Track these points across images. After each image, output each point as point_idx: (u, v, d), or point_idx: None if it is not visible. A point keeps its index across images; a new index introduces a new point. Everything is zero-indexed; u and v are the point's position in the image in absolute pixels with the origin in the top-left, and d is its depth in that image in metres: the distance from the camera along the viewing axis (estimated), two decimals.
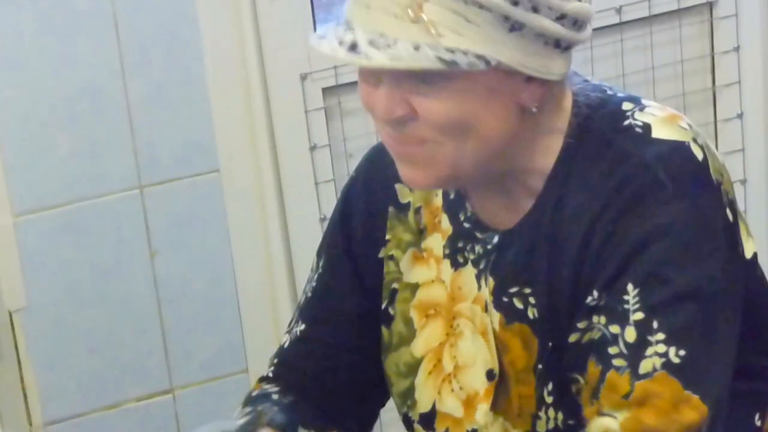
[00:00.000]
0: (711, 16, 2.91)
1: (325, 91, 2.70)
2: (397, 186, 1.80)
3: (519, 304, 1.71)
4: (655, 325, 1.58)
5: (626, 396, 1.58)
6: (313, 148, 2.71)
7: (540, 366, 1.69)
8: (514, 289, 1.71)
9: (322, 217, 2.72)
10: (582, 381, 1.63)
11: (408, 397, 1.82)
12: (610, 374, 1.58)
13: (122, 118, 2.56)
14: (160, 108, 2.58)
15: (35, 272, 2.58)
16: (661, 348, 1.58)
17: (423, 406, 1.81)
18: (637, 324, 1.58)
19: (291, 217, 2.75)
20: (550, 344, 1.68)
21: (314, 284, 1.87)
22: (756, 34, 2.91)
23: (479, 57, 1.51)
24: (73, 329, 2.63)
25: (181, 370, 2.73)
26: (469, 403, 1.76)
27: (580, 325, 1.63)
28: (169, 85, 2.59)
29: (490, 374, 1.73)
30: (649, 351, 1.58)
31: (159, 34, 2.56)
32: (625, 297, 1.60)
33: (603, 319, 1.61)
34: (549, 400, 1.69)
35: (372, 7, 1.54)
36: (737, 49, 2.92)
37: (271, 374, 1.86)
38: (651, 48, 2.83)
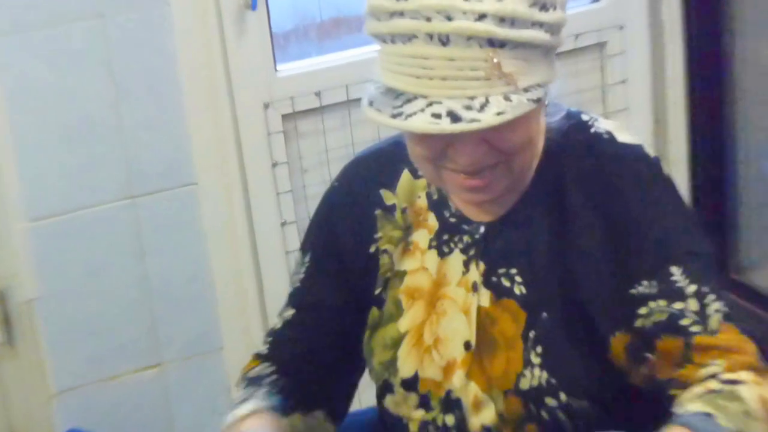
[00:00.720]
0: (602, 54, 2.93)
1: (284, 117, 2.73)
2: (381, 191, 1.86)
3: (506, 283, 1.77)
4: (704, 290, 1.67)
5: (716, 349, 1.64)
6: (274, 165, 2.74)
7: (531, 333, 1.75)
8: (502, 270, 1.77)
9: (283, 221, 2.80)
10: (653, 357, 1.70)
11: (390, 366, 1.85)
12: (696, 339, 1.66)
13: (115, 139, 2.61)
14: (147, 132, 2.62)
15: (47, 268, 2.63)
16: (715, 305, 1.66)
17: (405, 372, 1.84)
18: (694, 295, 1.67)
19: (256, 222, 2.79)
20: (545, 314, 1.75)
21: (302, 276, 1.91)
22: (640, 69, 2.99)
23: (540, 86, 1.57)
24: (78, 315, 2.68)
25: (167, 348, 2.77)
26: (447, 370, 1.81)
27: (642, 311, 1.69)
28: (153, 113, 2.62)
29: (467, 345, 1.79)
30: (710, 311, 1.66)
31: (144, 70, 2.61)
32: (674, 278, 1.68)
33: (663, 302, 1.68)
34: (536, 361, 1.74)
35: (448, 77, 1.54)
36: (624, 81, 2.95)
37: (266, 351, 1.90)
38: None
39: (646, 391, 1.76)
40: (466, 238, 1.80)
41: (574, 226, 1.75)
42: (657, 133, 3.02)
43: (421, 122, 1.53)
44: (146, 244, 2.70)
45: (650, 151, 1.78)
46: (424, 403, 1.84)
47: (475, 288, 1.78)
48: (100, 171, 2.62)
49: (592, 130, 1.77)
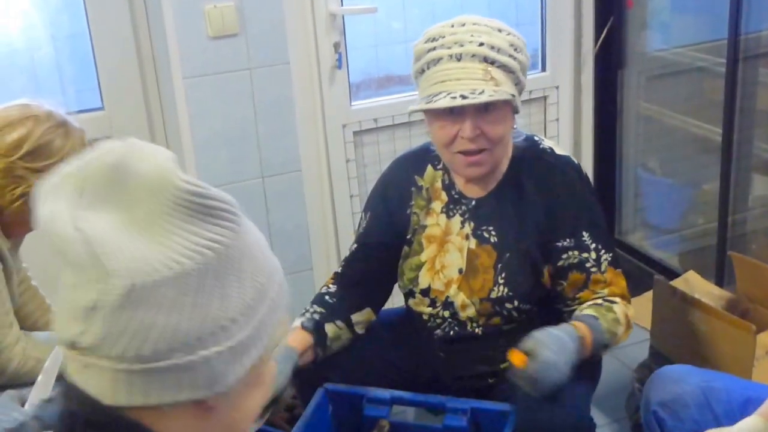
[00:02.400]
0: (545, 103, 2.98)
1: (355, 133, 2.78)
2: (415, 177, 1.91)
3: (486, 235, 1.84)
4: (599, 246, 1.80)
5: (604, 282, 1.79)
6: (348, 161, 2.80)
7: (499, 265, 1.81)
8: (483, 227, 1.84)
9: (352, 194, 2.82)
10: (565, 283, 1.80)
11: (414, 281, 1.90)
12: (592, 276, 1.79)
13: (254, 142, 2.63)
14: (273, 138, 2.64)
15: None
16: (605, 256, 1.80)
17: (423, 285, 1.89)
18: (594, 249, 1.79)
19: (336, 195, 2.81)
20: (507, 254, 1.81)
21: (364, 225, 1.95)
22: (566, 112, 3.02)
23: (512, 95, 1.70)
24: None
25: (281, 264, 2.79)
26: (447, 284, 1.87)
27: (564, 256, 1.79)
28: (278, 127, 2.64)
29: (460, 270, 1.86)
30: (602, 260, 1.79)
31: (273, 101, 2.62)
32: (583, 238, 1.80)
33: (576, 252, 1.79)
34: (501, 281, 1.82)
35: (462, 78, 1.66)
36: (557, 119, 3.01)
37: (340, 270, 1.95)
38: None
39: (557, 301, 1.85)
40: (463, 208, 1.87)
41: (527, 204, 1.82)
42: (575, 150, 3.05)
43: (443, 101, 1.65)
44: (271, 205, 2.71)
45: (574, 160, 1.87)
46: (433, 303, 1.90)
47: (467, 237, 1.85)
48: (244, 160, 2.63)
49: (540, 146, 1.85)
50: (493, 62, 1.67)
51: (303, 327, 1.83)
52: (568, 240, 1.79)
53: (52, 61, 2.57)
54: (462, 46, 1.66)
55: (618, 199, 3.15)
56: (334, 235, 2.83)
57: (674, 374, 1.73)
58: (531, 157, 1.83)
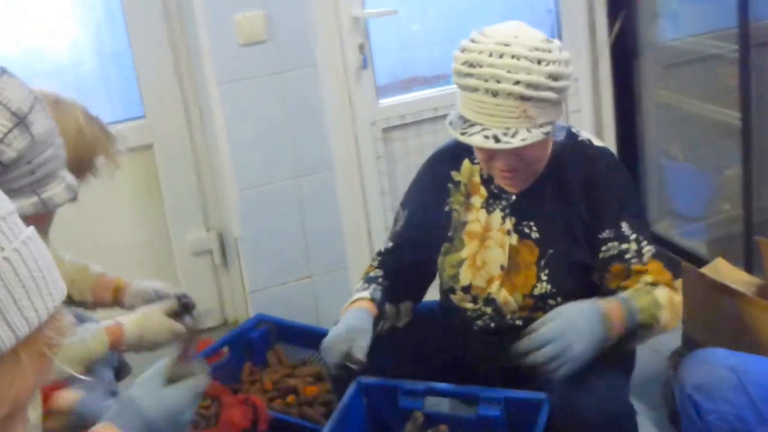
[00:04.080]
0: (565, 95, 2.83)
1: (383, 129, 2.83)
2: (452, 172, 1.88)
3: (527, 230, 1.82)
4: (641, 238, 1.74)
5: (646, 273, 1.71)
6: (377, 157, 2.83)
7: (542, 261, 1.79)
8: (524, 222, 1.82)
9: (382, 191, 2.85)
10: (607, 276, 1.75)
11: (454, 277, 1.87)
12: (633, 266, 1.73)
13: (288, 143, 2.68)
14: (305, 139, 2.70)
15: (248, 219, 2.69)
16: (647, 248, 1.74)
17: (464, 282, 1.86)
18: (634, 240, 1.74)
19: (367, 191, 2.85)
20: (551, 251, 1.78)
21: (402, 222, 1.93)
22: (587, 103, 3.04)
23: (550, 123, 1.66)
24: (264, 247, 2.74)
25: (316, 266, 2.81)
26: (489, 281, 1.84)
27: (603, 248, 1.75)
28: (309, 127, 2.69)
29: (502, 267, 1.83)
30: (644, 251, 1.74)
31: (303, 102, 2.67)
32: (623, 229, 1.75)
33: (616, 243, 1.74)
34: (544, 278, 1.79)
35: (496, 115, 1.62)
36: (578, 111, 3.03)
37: (376, 264, 1.94)
38: None
39: (603, 294, 1.76)
40: (503, 203, 1.84)
41: (568, 197, 1.79)
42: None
43: (477, 140, 1.64)
44: (305, 205, 2.74)
45: (611, 151, 1.86)
46: (474, 300, 1.87)
47: (508, 233, 1.82)
48: (278, 161, 2.69)
49: (579, 138, 1.83)
50: (529, 99, 1.61)
51: (372, 299, 1.83)
52: (608, 231, 1.76)
53: (96, 76, 2.73)
54: (498, 82, 1.60)
55: (642, 187, 3.17)
56: (367, 232, 2.88)
57: (708, 357, 1.70)
58: (571, 151, 1.81)
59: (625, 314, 1.65)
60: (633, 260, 1.74)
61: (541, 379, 1.70)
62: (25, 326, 0.58)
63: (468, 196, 1.87)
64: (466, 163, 1.88)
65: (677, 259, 2.79)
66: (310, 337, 2.45)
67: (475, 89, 1.63)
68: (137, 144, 2.69)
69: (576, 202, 1.78)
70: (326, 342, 1.74)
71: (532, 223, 1.81)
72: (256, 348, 2.54)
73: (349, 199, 2.83)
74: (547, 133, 1.65)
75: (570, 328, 1.59)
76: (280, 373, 2.43)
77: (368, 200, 2.87)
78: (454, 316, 1.93)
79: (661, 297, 1.69)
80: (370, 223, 2.88)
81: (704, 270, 2.35)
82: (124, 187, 2.71)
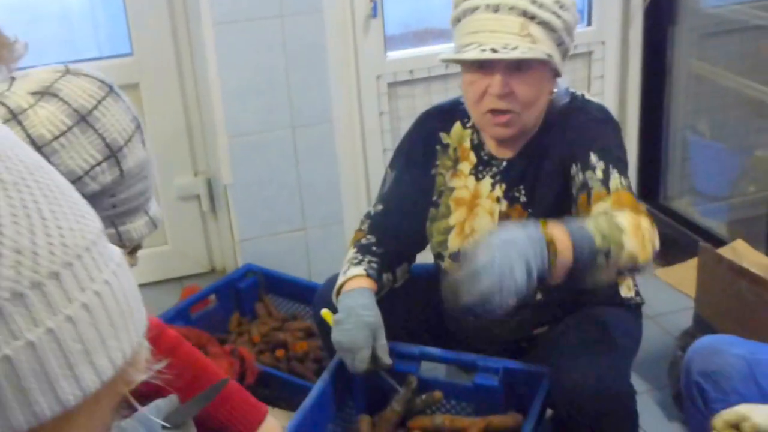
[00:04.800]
0: (590, 59, 2.88)
1: (389, 84, 2.72)
2: (441, 134, 1.85)
3: (516, 195, 1.80)
4: (610, 168, 1.64)
5: (608, 196, 1.61)
6: (381, 114, 2.73)
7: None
8: (514, 188, 1.80)
9: (384, 149, 2.76)
10: (575, 207, 1.69)
11: (443, 244, 1.86)
12: (594, 192, 1.63)
13: (285, 91, 2.59)
14: (304, 88, 2.59)
15: (238, 167, 2.63)
16: (617, 179, 1.63)
17: (452, 249, 1.85)
18: (601, 170, 1.65)
19: (368, 148, 2.77)
20: (539, 212, 1.76)
21: (389, 184, 1.91)
22: (612, 68, 2.92)
23: (549, 55, 1.61)
24: (255, 196, 2.68)
25: (310, 219, 2.76)
26: None
27: (573, 183, 1.70)
28: (309, 77, 2.59)
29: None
30: (611, 180, 1.63)
31: (306, 51, 2.57)
32: (590, 160, 1.66)
33: (581, 173, 1.67)
34: None
35: (497, 30, 1.59)
36: (602, 76, 2.93)
37: (365, 228, 1.90)
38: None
39: None
40: (493, 170, 1.82)
41: (553, 151, 1.75)
42: (620, 109, 2.96)
43: (473, 53, 1.59)
44: (301, 156, 2.68)
45: (605, 106, 1.78)
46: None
47: (498, 200, 1.81)
48: (274, 110, 2.60)
49: (577, 99, 1.77)
50: (533, 17, 1.58)
51: (368, 275, 1.80)
52: (577, 165, 1.69)
53: (82, 8, 2.60)
54: None
55: (664, 162, 3.08)
56: (366, 189, 2.82)
57: (717, 344, 1.65)
58: (566, 114, 1.77)
59: (573, 239, 1.47)
60: (595, 186, 1.63)
61: (540, 354, 1.72)
62: (110, 369, 0.51)
63: (456, 161, 1.85)
64: (457, 125, 1.85)
65: (694, 238, 2.74)
66: (301, 291, 2.46)
67: (476, 8, 1.61)
68: (123, 82, 2.50)
69: (558, 150, 1.74)
70: (343, 342, 1.70)
71: (522, 188, 1.79)
72: (244, 298, 2.51)
73: (348, 155, 2.77)
74: (549, 56, 1.60)
75: (503, 257, 1.39)
76: (269, 326, 2.40)
77: (368, 157, 2.80)
78: None
79: (624, 221, 1.51)
80: (369, 181, 2.82)
81: (722, 251, 2.30)
82: None
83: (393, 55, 2.74)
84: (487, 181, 1.83)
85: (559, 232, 1.47)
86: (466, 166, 1.85)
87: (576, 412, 1.64)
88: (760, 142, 2.85)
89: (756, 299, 2.07)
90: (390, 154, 2.69)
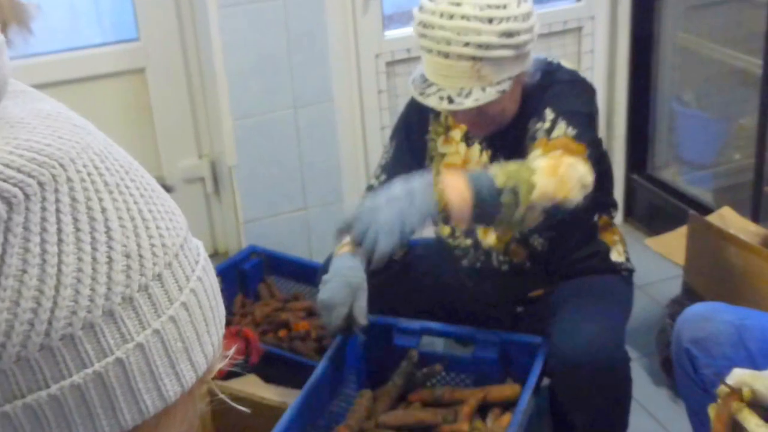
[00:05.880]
0: (579, 34, 2.91)
1: (387, 63, 2.73)
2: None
3: (501, 160, 1.77)
4: (559, 119, 1.68)
5: (547, 145, 1.66)
6: (379, 92, 2.75)
7: None
8: (498, 154, 1.84)
9: (382, 126, 2.76)
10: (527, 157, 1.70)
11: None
12: (537, 141, 1.69)
13: (287, 72, 2.60)
14: (305, 67, 2.60)
15: (242, 148, 2.63)
16: (563, 128, 1.67)
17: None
18: (550, 121, 1.70)
19: (367, 125, 2.77)
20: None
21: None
22: (601, 43, 2.94)
23: (510, 78, 1.67)
24: (259, 177, 2.69)
25: (311, 199, 2.77)
26: None
27: (528, 135, 1.74)
28: (310, 57, 2.59)
29: None
30: (557, 129, 1.68)
31: (307, 31, 2.58)
32: (545, 113, 1.71)
33: (533, 125, 1.73)
34: None
35: (450, 76, 1.65)
36: (592, 51, 2.94)
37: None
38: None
39: None
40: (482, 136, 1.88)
41: (531, 117, 1.77)
42: (609, 83, 2.99)
43: (433, 101, 1.68)
44: (303, 136, 2.68)
45: (580, 73, 1.82)
46: (453, 232, 1.93)
47: (485, 166, 1.84)
48: (276, 91, 2.61)
49: (549, 69, 1.82)
50: (481, 59, 1.63)
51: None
52: (534, 119, 1.74)
53: None
54: (449, 44, 1.63)
55: (652, 133, 3.11)
56: (365, 167, 2.84)
57: (707, 311, 1.68)
58: (541, 75, 1.81)
59: (470, 181, 1.56)
60: (539, 135, 1.69)
61: (537, 318, 1.76)
62: (204, 363, 0.53)
63: (448, 129, 1.89)
64: None
65: (682, 207, 2.78)
66: (303, 271, 2.47)
67: (429, 50, 1.66)
68: (129, 68, 2.62)
69: (534, 116, 1.76)
70: (324, 299, 1.71)
71: (506, 153, 1.81)
72: (248, 280, 2.52)
73: (348, 133, 2.78)
74: (503, 91, 1.65)
75: (376, 205, 1.56)
76: (271, 307, 2.42)
77: (368, 135, 2.81)
78: (445, 254, 1.95)
79: (539, 162, 1.58)
80: (368, 158, 2.83)
81: (710, 218, 2.32)
82: (114, 111, 2.64)
83: (391, 34, 2.76)
84: (477, 147, 1.88)
85: (452, 179, 1.56)
86: (457, 133, 1.90)
87: (572, 380, 1.72)
88: (744, 111, 2.89)
89: (744, 265, 2.10)
90: (388, 132, 2.69)
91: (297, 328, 2.32)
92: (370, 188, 1.95)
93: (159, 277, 0.49)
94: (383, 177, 1.94)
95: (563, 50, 2.91)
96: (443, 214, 1.57)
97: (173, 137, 2.74)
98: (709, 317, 1.66)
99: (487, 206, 1.55)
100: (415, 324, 1.89)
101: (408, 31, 2.72)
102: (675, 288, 2.43)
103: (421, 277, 1.99)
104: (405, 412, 1.82)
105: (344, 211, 2.77)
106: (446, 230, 1.92)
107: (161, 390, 0.49)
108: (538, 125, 1.71)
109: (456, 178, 1.58)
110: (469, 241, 1.90)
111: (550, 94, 1.75)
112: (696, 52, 2.98)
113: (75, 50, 2.56)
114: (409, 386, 1.87)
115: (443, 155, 1.90)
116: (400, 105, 2.68)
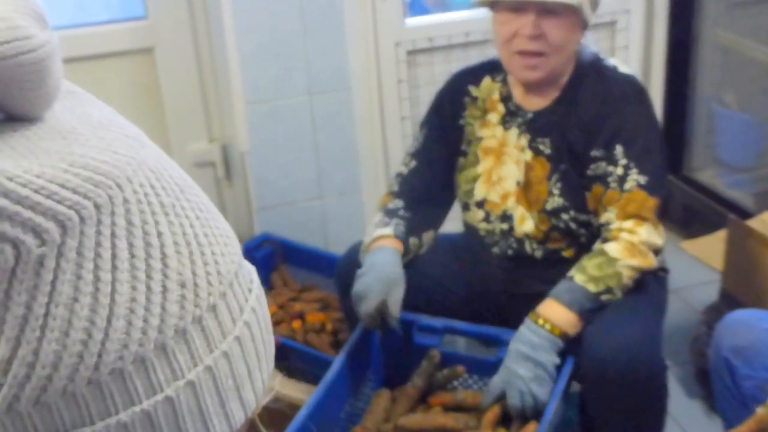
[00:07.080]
0: (613, 29, 2.82)
1: (408, 52, 2.64)
2: (470, 87, 1.92)
3: (541, 147, 1.83)
4: (632, 165, 1.71)
5: (617, 201, 1.70)
6: (399, 81, 2.66)
7: (553, 176, 1.80)
8: (539, 139, 1.83)
9: (402, 117, 2.70)
10: (589, 194, 1.77)
11: (469, 192, 1.91)
12: (609, 192, 1.72)
13: (302, 58, 2.51)
14: (322, 54, 2.52)
15: (255, 133, 2.55)
16: (635, 176, 1.70)
17: (477, 197, 1.90)
18: (623, 166, 1.71)
19: (386, 116, 2.69)
20: (562, 166, 1.81)
21: (421, 141, 1.97)
22: (636, 39, 2.85)
23: (580, 3, 1.68)
24: (272, 163, 2.61)
25: (328, 188, 2.69)
26: (504, 197, 1.87)
27: (593, 166, 1.76)
28: (327, 44, 2.51)
29: (518, 183, 1.85)
30: (629, 178, 1.70)
31: (323, 17, 2.49)
32: (615, 152, 1.73)
33: (603, 164, 1.74)
34: (556, 192, 1.80)
35: None
36: (627, 46, 2.85)
37: (396, 189, 1.94)
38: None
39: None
40: (520, 120, 1.87)
41: (581, 118, 1.79)
42: (644, 80, 2.87)
43: None
44: (318, 123, 2.61)
45: (638, 80, 1.86)
46: (487, 217, 1.89)
47: (523, 150, 1.85)
48: (291, 77, 2.54)
49: (604, 62, 1.83)
50: None
51: (396, 236, 1.84)
52: (600, 150, 1.75)
53: None
54: None
55: (688, 133, 3.02)
56: (383, 157, 2.76)
57: (748, 319, 1.62)
58: (593, 72, 1.82)
59: (570, 306, 1.66)
60: (612, 184, 1.73)
61: None
62: (253, 401, 0.50)
63: (485, 112, 1.91)
64: (486, 79, 1.92)
65: (719, 210, 2.69)
66: (318, 261, 2.45)
67: None
68: (137, 47, 2.53)
69: (586, 121, 1.78)
70: (360, 290, 1.75)
71: (546, 140, 1.82)
72: (260, 268, 2.43)
73: (366, 122, 2.71)
74: (580, 3, 1.67)
75: (510, 368, 1.64)
76: (285, 297, 2.37)
77: (387, 125, 2.74)
78: (474, 244, 1.94)
79: (614, 250, 1.68)
80: (387, 148, 2.77)
81: (750, 222, 2.25)
82: (122, 92, 2.57)
83: (412, 22, 2.68)
84: (514, 131, 1.87)
85: (552, 312, 1.65)
86: (494, 117, 1.90)
87: (605, 386, 1.62)
88: None
89: None
90: (408, 122, 2.73)
91: (311, 320, 2.27)
92: (399, 175, 1.96)
93: (213, 308, 0.47)
94: (413, 164, 1.96)
95: (597, 45, 2.78)
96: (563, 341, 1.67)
97: (183, 120, 2.66)
98: (750, 325, 1.59)
99: (594, 312, 1.67)
100: (438, 321, 1.82)
101: (429, 19, 2.71)
102: (710, 293, 2.35)
103: (447, 274, 1.97)
104: (425, 416, 1.74)
105: (362, 203, 2.72)
106: (479, 215, 1.90)
107: (209, 431, 0.47)
108: (610, 169, 1.73)
109: (555, 309, 1.66)
110: (504, 226, 1.88)
111: (615, 112, 1.76)
112: (737, 51, 2.92)
113: (80, 27, 2.49)
114: (430, 387, 1.80)
115: (480, 139, 1.91)
116: (421, 95, 2.69)
